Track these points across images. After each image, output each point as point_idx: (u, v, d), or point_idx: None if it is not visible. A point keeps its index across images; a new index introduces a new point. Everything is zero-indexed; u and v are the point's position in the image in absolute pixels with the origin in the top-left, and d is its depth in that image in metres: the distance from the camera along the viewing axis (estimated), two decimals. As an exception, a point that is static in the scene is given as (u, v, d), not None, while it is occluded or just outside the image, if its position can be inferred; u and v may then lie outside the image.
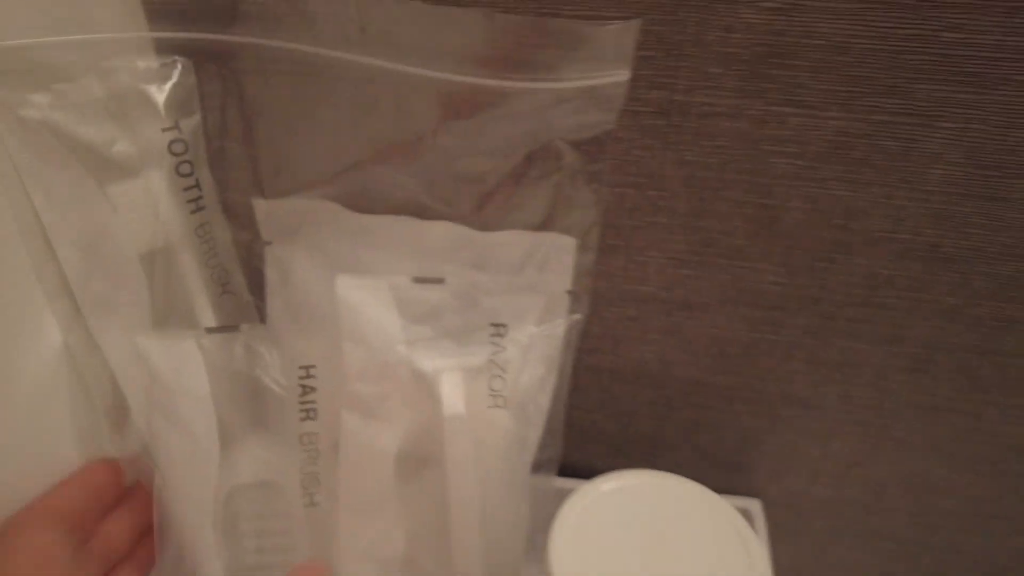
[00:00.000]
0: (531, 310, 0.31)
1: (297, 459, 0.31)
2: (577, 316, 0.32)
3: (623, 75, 0.27)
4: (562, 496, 0.34)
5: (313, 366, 0.30)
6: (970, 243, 0.31)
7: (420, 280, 0.30)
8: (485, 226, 0.30)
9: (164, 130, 0.28)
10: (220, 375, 0.30)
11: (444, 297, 0.31)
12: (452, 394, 0.29)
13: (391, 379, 0.29)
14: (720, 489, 0.41)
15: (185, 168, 0.29)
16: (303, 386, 0.30)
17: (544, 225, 0.30)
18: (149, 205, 0.29)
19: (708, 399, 0.38)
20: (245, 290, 0.33)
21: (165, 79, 0.27)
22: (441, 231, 0.30)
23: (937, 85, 0.27)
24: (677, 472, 0.35)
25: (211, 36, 0.27)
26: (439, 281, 0.31)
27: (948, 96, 0.27)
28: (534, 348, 0.31)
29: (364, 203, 0.31)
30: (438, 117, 0.29)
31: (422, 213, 0.30)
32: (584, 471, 0.37)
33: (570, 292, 0.31)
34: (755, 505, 0.41)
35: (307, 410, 0.30)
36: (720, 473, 0.41)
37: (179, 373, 0.29)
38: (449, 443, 0.30)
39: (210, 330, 0.30)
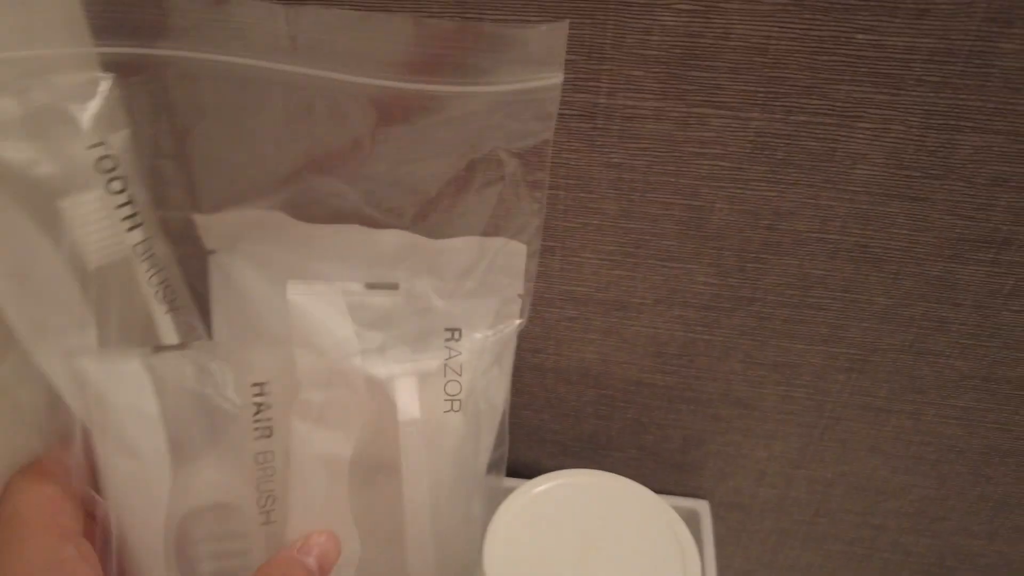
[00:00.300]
0: (484, 314, 0.31)
1: (253, 478, 0.30)
2: (522, 320, 0.32)
3: (556, 77, 0.27)
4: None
5: (266, 382, 0.29)
6: (897, 243, 0.31)
7: (373, 286, 0.30)
8: (430, 234, 0.31)
9: (90, 147, 0.27)
10: (170, 396, 0.29)
11: (397, 303, 0.30)
12: (407, 399, 0.29)
13: (344, 386, 0.29)
14: (668, 490, 0.42)
15: (116, 185, 0.28)
16: (257, 403, 0.29)
17: (487, 233, 0.31)
18: (82, 225, 0.28)
19: (650, 399, 0.38)
20: (192, 307, 0.33)
21: (88, 95, 0.27)
22: (391, 238, 0.30)
23: (854, 86, 0.27)
24: (624, 472, 0.35)
25: (139, 50, 0.27)
26: (393, 287, 0.31)
27: (866, 97, 0.28)
28: (487, 352, 0.31)
29: (306, 214, 0.31)
30: (373, 123, 0.29)
31: (366, 223, 0.30)
32: (533, 471, 0.37)
33: (521, 296, 0.31)
34: (703, 506, 0.41)
35: (262, 428, 0.30)
36: (667, 473, 0.41)
37: (125, 394, 0.28)
38: (405, 448, 0.30)
39: (157, 349, 0.30)
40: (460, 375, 0.30)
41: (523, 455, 0.43)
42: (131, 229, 0.30)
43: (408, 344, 0.30)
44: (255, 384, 0.29)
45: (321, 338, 0.29)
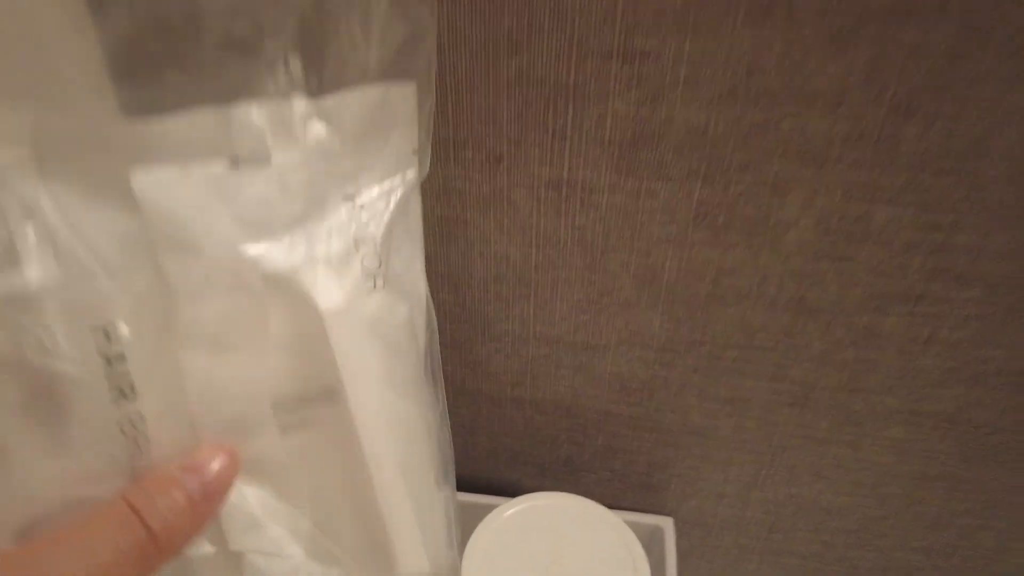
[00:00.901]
0: (382, 174, 0.25)
1: (122, 455, 0.22)
2: (421, 173, 0.26)
3: None
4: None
5: (111, 323, 0.21)
6: (829, 297, 0.35)
7: (238, 161, 0.22)
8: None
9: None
10: None
11: (274, 177, 0.23)
12: (324, 286, 0.23)
13: (241, 289, 0.22)
14: (636, 508, 0.46)
15: None
16: (105, 356, 0.21)
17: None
18: None
19: (618, 427, 0.42)
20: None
21: None
22: (255, 105, 0.22)
23: (783, 164, 0.31)
24: (596, 492, 0.39)
25: None
26: (264, 160, 0.22)
27: (794, 173, 0.32)
28: (397, 218, 0.26)
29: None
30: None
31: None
32: (515, 490, 0.41)
33: (415, 151, 0.26)
34: (668, 523, 0.45)
35: (118, 387, 0.21)
36: (635, 493, 0.45)
37: None
38: (338, 350, 0.23)
39: None
40: (376, 247, 0.25)
41: (506, 476, 0.47)
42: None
43: (300, 224, 0.23)
44: (95, 328, 0.21)
45: (195, 235, 0.21)
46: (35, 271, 0.20)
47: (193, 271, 0.21)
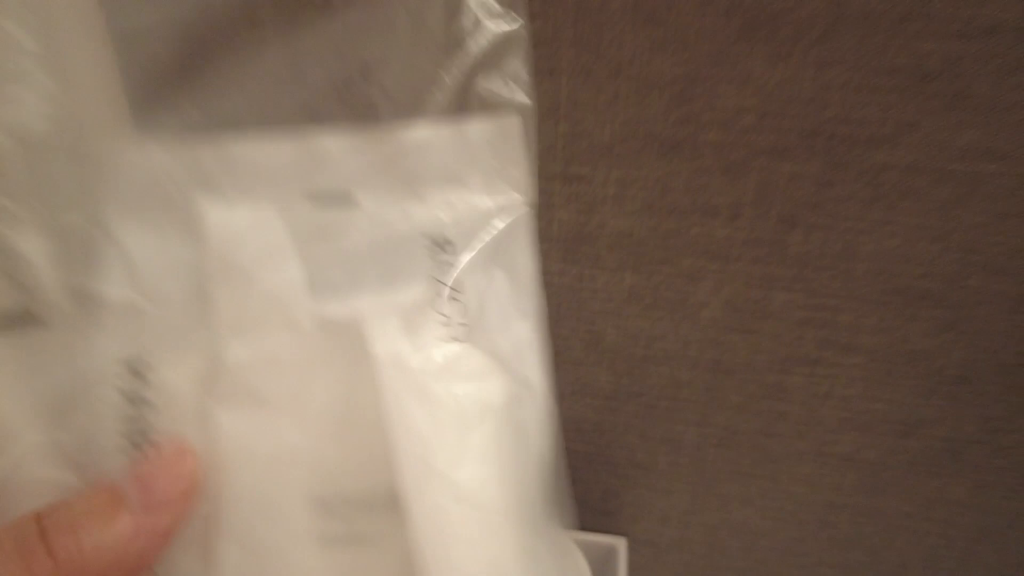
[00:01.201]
0: (475, 218, 0.21)
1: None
2: (528, 203, 0.23)
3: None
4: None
5: (141, 358, 0.18)
6: (740, 360, 0.42)
7: (319, 198, 0.19)
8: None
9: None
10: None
11: (355, 219, 0.20)
12: (385, 332, 0.19)
13: (292, 333, 0.18)
14: (594, 529, 0.53)
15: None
16: (123, 392, 0.17)
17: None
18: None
19: (574, 462, 0.50)
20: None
21: None
22: (334, 136, 0.19)
23: (695, 260, 0.39)
24: None
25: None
26: (345, 196, 0.20)
27: (703, 266, 0.39)
28: (494, 263, 0.21)
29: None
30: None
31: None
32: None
33: (522, 193, 0.22)
34: (621, 543, 0.53)
35: (130, 433, 0.17)
36: (593, 517, 0.53)
37: None
38: (390, 417, 0.18)
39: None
40: (460, 293, 0.20)
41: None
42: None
43: (377, 273, 0.20)
44: (119, 361, 0.17)
45: (255, 272, 0.18)
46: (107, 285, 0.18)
47: (247, 309, 0.18)
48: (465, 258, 0.20)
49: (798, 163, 0.35)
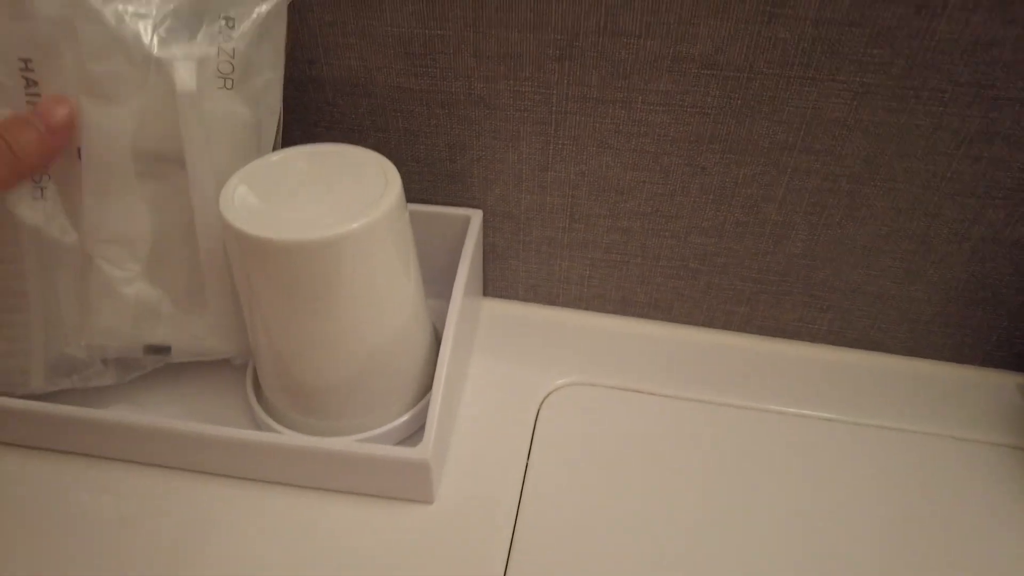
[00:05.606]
0: (252, 5, 0.36)
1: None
2: None
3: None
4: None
5: (30, 59, 0.34)
6: None
7: None
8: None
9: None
10: None
11: None
12: (184, 74, 0.34)
13: (126, 57, 0.34)
14: (448, 202, 0.48)
15: None
16: (25, 79, 0.34)
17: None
18: None
19: (411, 104, 0.44)
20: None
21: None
22: None
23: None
24: (408, 185, 0.40)
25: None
26: None
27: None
28: (259, 40, 0.36)
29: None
30: None
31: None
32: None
33: None
34: (476, 214, 0.47)
35: (29, 96, 0.35)
36: (444, 185, 0.47)
37: None
38: (184, 122, 0.35)
39: None
40: (233, 58, 0.36)
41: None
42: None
43: (184, 31, 0.35)
44: (21, 59, 0.34)
45: (104, 10, 0.33)
46: None
47: (97, 37, 0.33)
48: (243, 39, 0.36)
49: None
